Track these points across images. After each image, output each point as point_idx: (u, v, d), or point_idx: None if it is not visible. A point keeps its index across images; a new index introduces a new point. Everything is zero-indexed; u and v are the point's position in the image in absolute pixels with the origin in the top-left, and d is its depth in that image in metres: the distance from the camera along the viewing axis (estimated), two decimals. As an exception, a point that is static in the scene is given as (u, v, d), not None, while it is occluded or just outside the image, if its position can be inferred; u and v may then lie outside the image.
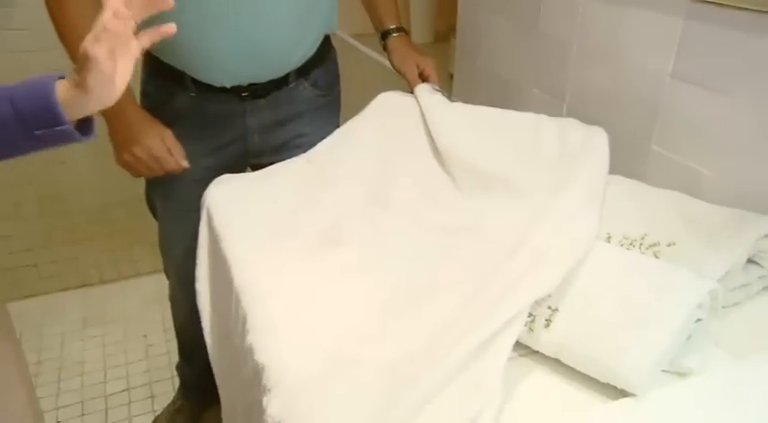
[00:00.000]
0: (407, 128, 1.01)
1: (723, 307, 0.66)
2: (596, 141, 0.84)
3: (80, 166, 1.93)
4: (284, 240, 0.83)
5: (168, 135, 1.04)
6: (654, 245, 0.72)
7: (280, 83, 1.10)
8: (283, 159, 1.06)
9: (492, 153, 0.89)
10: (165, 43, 1.07)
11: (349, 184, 0.94)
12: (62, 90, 0.63)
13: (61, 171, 1.93)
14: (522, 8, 1.15)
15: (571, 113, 1.06)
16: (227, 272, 0.79)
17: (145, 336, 1.91)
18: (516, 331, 0.59)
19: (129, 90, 0.95)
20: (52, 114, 0.63)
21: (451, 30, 1.53)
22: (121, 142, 1.02)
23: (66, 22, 0.95)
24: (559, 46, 1.06)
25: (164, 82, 1.09)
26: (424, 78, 1.10)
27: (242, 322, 0.71)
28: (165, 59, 1.07)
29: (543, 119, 0.93)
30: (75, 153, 1.78)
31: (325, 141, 1.06)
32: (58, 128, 0.64)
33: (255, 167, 1.14)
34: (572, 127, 0.89)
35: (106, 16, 0.62)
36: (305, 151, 1.07)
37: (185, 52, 1.03)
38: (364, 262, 0.77)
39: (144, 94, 1.12)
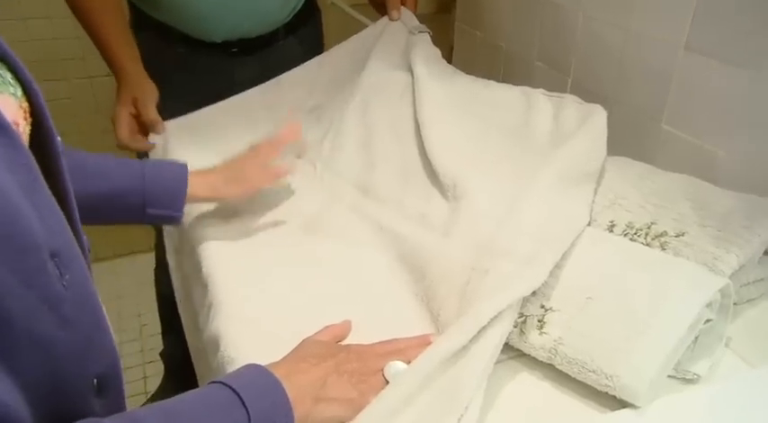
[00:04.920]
0: (392, 94, 0.96)
1: (735, 304, 0.60)
2: (593, 119, 0.77)
3: (75, 143, 1.88)
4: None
5: (142, 100, 0.96)
6: (661, 235, 0.66)
7: (269, 40, 1.11)
8: None
9: (477, 134, 0.82)
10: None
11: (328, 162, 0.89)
12: (193, 184, 0.69)
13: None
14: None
15: (576, 89, 0.98)
16: (193, 254, 0.75)
17: (139, 315, 1.88)
18: (500, 333, 0.52)
19: (131, 45, 0.97)
20: (176, 203, 0.68)
21: (453, 2, 1.45)
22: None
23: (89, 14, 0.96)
24: (565, 16, 0.98)
25: (152, 37, 1.07)
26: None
27: (207, 309, 0.66)
28: (154, 15, 1.06)
29: (538, 96, 0.85)
30: (70, 127, 1.73)
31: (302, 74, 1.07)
32: (170, 214, 0.69)
33: None
34: (569, 105, 0.81)
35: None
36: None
37: (174, 7, 1.02)
38: (338, 252, 0.73)
39: None
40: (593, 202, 0.70)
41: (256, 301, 0.65)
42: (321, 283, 0.68)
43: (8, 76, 0.40)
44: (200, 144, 0.95)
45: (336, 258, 0.73)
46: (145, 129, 0.97)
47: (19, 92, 0.40)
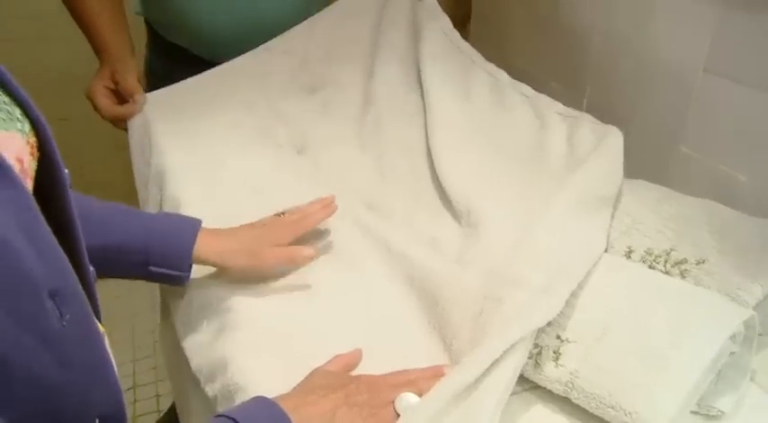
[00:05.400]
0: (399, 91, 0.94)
1: (761, 335, 0.58)
2: (609, 141, 0.75)
3: (89, 159, 1.90)
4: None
5: (121, 71, 0.92)
6: (681, 262, 0.64)
7: None
8: None
9: (490, 157, 0.80)
10: (167, 21, 1.05)
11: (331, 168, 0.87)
12: (201, 245, 0.64)
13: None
14: (541, -3, 1.06)
15: (591, 109, 0.97)
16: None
17: (152, 331, 1.87)
18: (514, 366, 0.51)
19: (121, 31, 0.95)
20: (181, 263, 0.64)
21: (468, 17, 1.45)
22: None
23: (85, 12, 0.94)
24: (580, 36, 0.97)
25: (167, 58, 1.07)
26: None
27: (214, 332, 0.65)
28: (169, 37, 1.06)
29: (552, 115, 0.84)
30: (85, 144, 1.75)
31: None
32: (175, 274, 0.64)
33: None
34: (584, 125, 0.80)
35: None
36: None
37: (187, 29, 1.02)
38: (344, 273, 0.71)
39: (148, 70, 1.10)
40: (610, 227, 0.69)
41: (264, 325, 0.64)
42: (328, 307, 0.67)
43: (17, 111, 0.40)
44: (184, 118, 0.91)
45: (342, 280, 0.71)
46: (124, 102, 0.93)
47: (27, 127, 0.40)
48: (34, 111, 0.41)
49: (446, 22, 1.00)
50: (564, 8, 1.00)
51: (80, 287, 0.35)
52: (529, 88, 0.91)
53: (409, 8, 1.03)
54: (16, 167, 0.34)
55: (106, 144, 1.78)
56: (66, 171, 0.43)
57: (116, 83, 0.92)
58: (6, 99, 0.40)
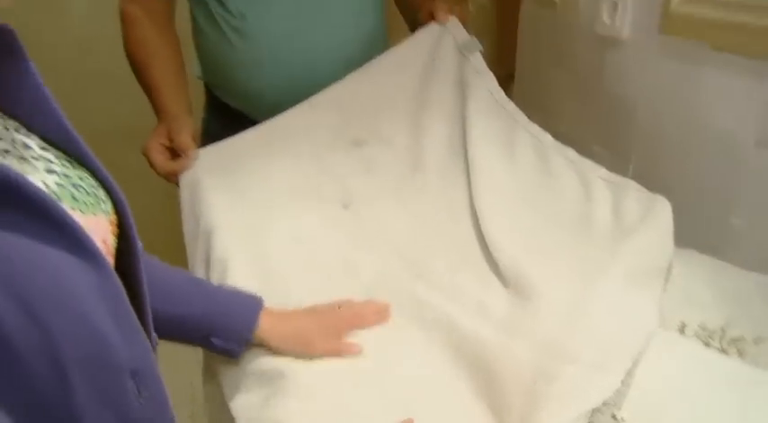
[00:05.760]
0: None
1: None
2: (657, 212, 0.75)
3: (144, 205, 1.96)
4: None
5: (176, 128, 0.95)
6: (738, 340, 0.63)
7: None
8: None
9: (537, 224, 0.80)
10: (227, 86, 1.10)
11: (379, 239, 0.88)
12: (262, 326, 0.67)
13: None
14: (585, 62, 1.08)
15: (637, 175, 0.97)
16: None
17: (191, 383, 1.88)
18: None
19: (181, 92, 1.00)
20: (240, 340, 0.67)
21: (511, 77, 1.47)
22: None
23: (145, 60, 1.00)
24: (625, 102, 0.98)
25: (224, 119, 1.10)
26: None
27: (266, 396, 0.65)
28: (226, 100, 1.10)
29: (598, 181, 0.84)
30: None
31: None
32: (234, 348, 0.67)
33: None
34: (630, 194, 0.79)
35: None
36: None
37: (246, 95, 1.06)
38: (387, 334, 0.71)
39: (205, 131, 1.13)
40: (662, 300, 0.68)
41: (315, 393, 0.64)
42: (376, 375, 0.67)
43: (101, 192, 0.43)
44: (232, 173, 0.93)
45: (388, 343, 0.71)
46: (178, 158, 0.96)
47: (109, 207, 0.43)
48: (116, 191, 0.44)
49: (492, 80, 1.01)
50: (608, 76, 1.02)
51: (157, 367, 0.37)
52: (573, 152, 0.92)
53: (456, 65, 1.03)
54: (102, 249, 0.37)
55: (159, 197, 1.83)
56: (140, 244, 0.46)
57: (171, 140, 0.96)
58: (93, 181, 0.43)
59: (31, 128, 0.43)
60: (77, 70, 1.78)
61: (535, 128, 0.97)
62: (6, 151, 0.39)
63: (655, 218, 0.74)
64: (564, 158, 0.90)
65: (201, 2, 1.04)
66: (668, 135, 0.90)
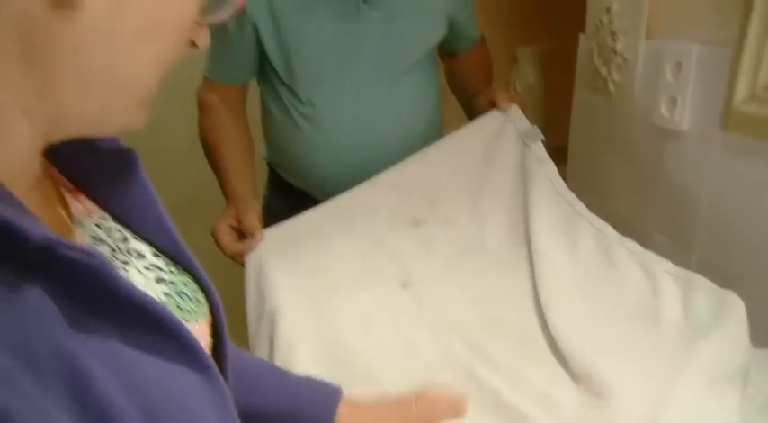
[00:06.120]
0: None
1: None
2: (730, 309, 0.74)
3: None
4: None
5: (243, 210, 1.00)
6: (827, 452, 0.60)
7: None
8: None
9: (604, 317, 0.80)
10: (292, 168, 1.15)
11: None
12: (341, 417, 0.67)
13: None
14: (642, 151, 1.09)
15: (701, 266, 0.96)
16: None
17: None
18: None
19: (248, 176, 1.05)
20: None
21: (558, 150, 1.49)
22: None
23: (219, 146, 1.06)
24: (687, 193, 0.98)
25: (286, 198, 1.16)
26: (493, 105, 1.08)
27: None
28: (291, 181, 1.17)
29: (664, 275, 0.83)
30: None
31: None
32: None
33: None
34: (700, 290, 0.78)
35: None
36: None
37: (310, 177, 1.12)
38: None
39: (266, 208, 1.18)
40: (741, 404, 0.66)
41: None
42: None
43: (200, 295, 0.46)
44: (295, 255, 0.96)
45: None
46: (244, 239, 1.00)
47: (206, 308, 0.46)
48: (214, 294, 0.47)
49: (552, 169, 1.03)
50: (668, 165, 1.02)
51: None
52: (635, 244, 0.92)
53: (518, 152, 1.06)
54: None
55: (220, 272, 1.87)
56: (231, 344, 0.48)
57: (239, 221, 1.01)
58: (195, 285, 0.46)
59: (143, 236, 0.46)
60: (147, 146, 1.88)
61: (596, 218, 0.98)
62: (126, 262, 0.42)
63: (728, 316, 0.72)
64: (626, 250, 0.90)
65: (273, 89, 1.11)
66: (735, 227, 0.90)
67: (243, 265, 1.00)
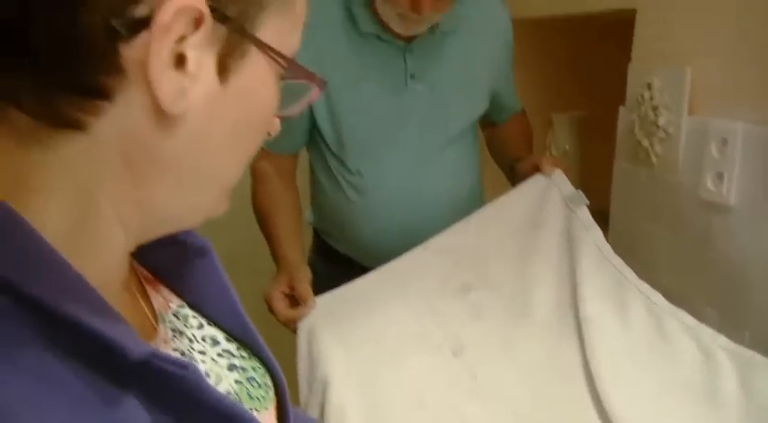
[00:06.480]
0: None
1: None
2: None
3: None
4: None
5: (296, 277, 1.02)
6: None
7: None
8: None
9: (659, 393, 0.79)
10: (339, 235, 1.17)
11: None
12: None
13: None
14: (688, 222, 1.09)
15: (756, 345, 0.94)
16: None
17: None
18: None
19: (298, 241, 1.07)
20: None
21: (598, 212, 1.48)
22: None
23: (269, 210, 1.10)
24: (739, 266, 0.98)
25: (332, 264, 1.19)
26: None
27: None
28: (337, 247, 1.19)
29: (719, 353, 0.82)
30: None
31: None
32: None
33: None
34: (759, 370, 0.77)
35: None
36: None
37: (357, 244, 1.15)
38: None
39: (312, 272, 1.19)
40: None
41: None
42: None
43: (268, 379, 0.47)
44: (347, 323, 0.97)
45: None
46: (296, 305, 1.01)
47: (272, 391, 0.47)
48: (281, 378, 0.48)
49: (599, 235, 1.03)
50: (715, 237, 1.02)
51: None
52: (689, 316, 0.91)
53: (563, 217, 1.06)
54: None
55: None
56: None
57: (291, 288, 1.03)
58: (263, 370, 0.47)
59: (215, 322, 0.48)
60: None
61: (645, 286, 0.97)
62: (202, 352, 0.44)
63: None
64: (679, 323, 0.89)
65: (322, 158, 1.15)
66: (789, 304, 0.89)
67: (294, 331, 1.01)
